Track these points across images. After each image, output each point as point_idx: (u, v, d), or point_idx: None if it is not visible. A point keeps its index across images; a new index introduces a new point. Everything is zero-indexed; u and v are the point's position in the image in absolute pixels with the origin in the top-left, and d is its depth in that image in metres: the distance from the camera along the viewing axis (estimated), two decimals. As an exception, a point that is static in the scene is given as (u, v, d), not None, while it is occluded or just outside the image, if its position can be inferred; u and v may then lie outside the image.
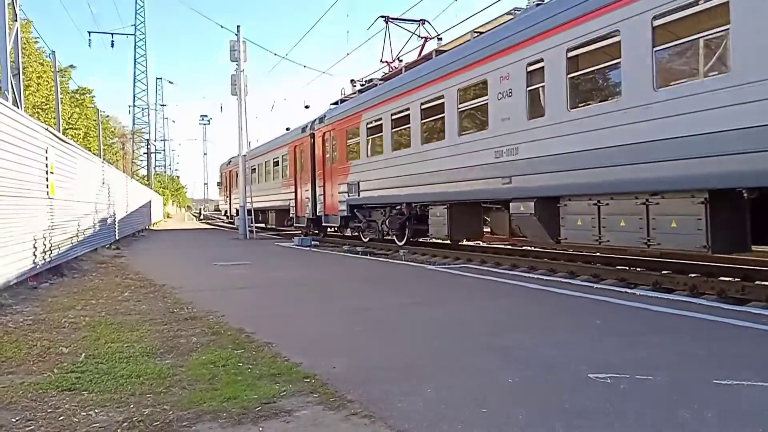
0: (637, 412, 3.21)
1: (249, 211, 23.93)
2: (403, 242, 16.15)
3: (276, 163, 27.28)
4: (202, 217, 79.14)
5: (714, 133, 7.03)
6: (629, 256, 11.25)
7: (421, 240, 16.72)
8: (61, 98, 26.42)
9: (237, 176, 30.74)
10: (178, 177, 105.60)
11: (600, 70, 9.26)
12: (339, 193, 18.68)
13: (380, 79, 17.98)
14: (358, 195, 17.28)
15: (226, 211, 41.44)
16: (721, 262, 9.92)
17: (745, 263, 9.71)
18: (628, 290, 7.47)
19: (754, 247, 10.09)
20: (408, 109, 14.39)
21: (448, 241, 14.78)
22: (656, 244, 8.09)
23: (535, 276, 9.32)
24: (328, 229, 23.18)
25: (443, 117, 12.90)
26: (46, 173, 9.85)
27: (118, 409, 3.46)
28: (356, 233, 19.65)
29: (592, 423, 3.08)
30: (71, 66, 34.42)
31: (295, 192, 23.64)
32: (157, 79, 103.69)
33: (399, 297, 7.75)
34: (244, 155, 24.79)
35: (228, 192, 38.97)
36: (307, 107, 50.07)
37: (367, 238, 18.75)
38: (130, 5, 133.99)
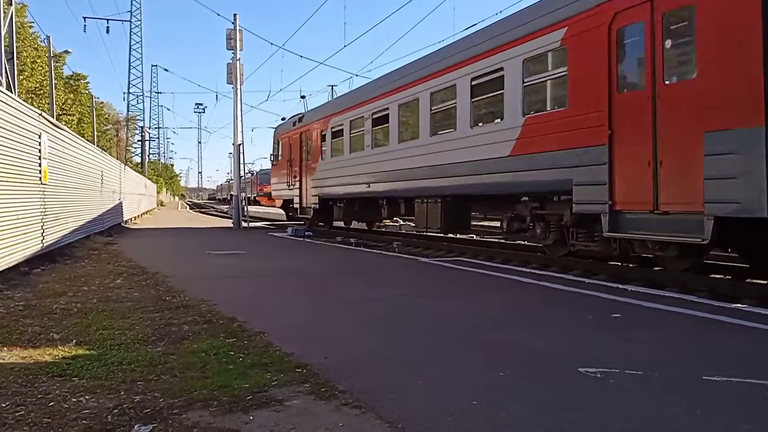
0: (626, 407, 3.23)
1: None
2: None
3: (485, 90, 10.79)
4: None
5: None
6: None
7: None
8: (56, 84, 26.25)
9: (322, 139, 18.91)
10: (172, 165, 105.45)
11: None
12: None
13: None
14: None
15: (291, 202, 22.36)
16: (713, 259, 9.97)
17: (736, 261, 9.76)
18: (621, 286, 7.50)
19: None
20: None
21: (441, 234, 13.91)
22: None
23: (528, 270, 9.33)
24: None
25: None
26: (39, 159, 9.80)
27: (109, 395, 3.46)
28: None
29: (581, 416, 3.10)
30: (66, 51, 34.08)
31: (611, 148, 7.84)
32: (152, 66, 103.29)
33: (391, 289, 7.76)
34: (239, 144, 24.69)
35: (298, 170, 21.27)
36: (303, 97, 49.78)
37: None
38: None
